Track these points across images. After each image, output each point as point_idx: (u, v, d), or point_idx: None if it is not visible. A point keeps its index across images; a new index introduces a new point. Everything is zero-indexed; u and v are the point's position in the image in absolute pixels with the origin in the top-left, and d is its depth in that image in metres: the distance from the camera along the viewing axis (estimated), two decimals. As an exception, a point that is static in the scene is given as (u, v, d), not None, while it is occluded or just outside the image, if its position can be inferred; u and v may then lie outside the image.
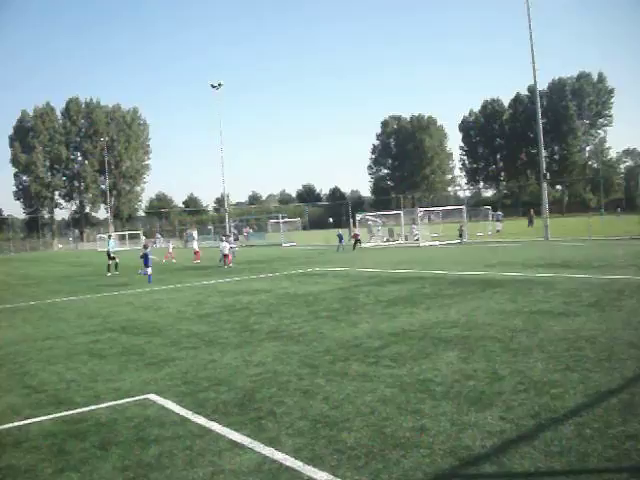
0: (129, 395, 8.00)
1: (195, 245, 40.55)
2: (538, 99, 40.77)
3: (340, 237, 41.49)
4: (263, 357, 9.66)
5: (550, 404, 6.46)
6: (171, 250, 41.64)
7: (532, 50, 39.17)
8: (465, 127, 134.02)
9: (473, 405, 6.59)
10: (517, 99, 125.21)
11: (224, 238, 34.54)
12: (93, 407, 7.58)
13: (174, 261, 38.76)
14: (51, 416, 7.34)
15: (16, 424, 7.13)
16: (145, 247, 27.43)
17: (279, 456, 5.56)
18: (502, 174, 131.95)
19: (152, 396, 7.86)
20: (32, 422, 7.16)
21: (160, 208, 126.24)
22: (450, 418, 6.24)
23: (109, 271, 31.51)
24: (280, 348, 10.26)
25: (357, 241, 41.43)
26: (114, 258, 32.01)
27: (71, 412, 7.44)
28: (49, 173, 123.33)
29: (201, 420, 6.74)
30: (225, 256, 31.48)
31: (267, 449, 5.75)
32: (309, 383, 7.94)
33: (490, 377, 7.63)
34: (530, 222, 57.60)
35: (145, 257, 25.99)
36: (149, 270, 25.67)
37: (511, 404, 6.54)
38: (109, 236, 39.48)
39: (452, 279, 18.72)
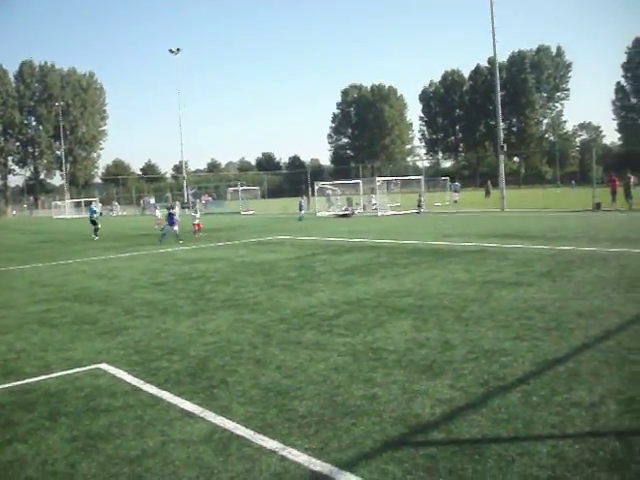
0: (80, 365, 7.89)
1: (158, 212, 40.08)
2: (497, 71, 41.02)
3: (301, 205, 41.45)
4: (217, 326, 9.62)
5: (499, 372, 6.56)
6: (160, 216, 40.54)
7: (492, 22, 39.28)
8: (425, 98, 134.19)
9: (424, 373, 6.66)
10: (477, 71, 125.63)
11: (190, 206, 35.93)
12: (43, 377, 7.45)
13: (157, 227, 38.01)
14: (-1, 386, 7.22)
15: (-38, 395, 6.98)
16: (172, 207, 29.05)
17: (230, 425, 5.55)
18: (461, 145, 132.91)
19: (103, 365, 7.76)
20: (-21, 393, 7.03)
21: (117, 175, 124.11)
22: (401, 386, 6.30)
23: (96, 235, 31.94)
24: (235, 317, 10.23)
25: (345, 214, 41.70)
26: (96, 224, 32.53)
27: (20, 382, 7.31)
28: (2, 138, 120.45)
29: (152, 389, 6.69)
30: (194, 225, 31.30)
31: (218, 418, 5.74)
32: (262, 352, 7.93)
33: (442, 346, 7.72)
34: (487, 193, 58.27)
35: (170, 217, 27.29)
36: (176, 228, 26.92)
37: (461, 372, 6.63)
38: (92, 202, 40.01)
39: (408, 249, 18.85)
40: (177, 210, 32.29)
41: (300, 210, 41.03)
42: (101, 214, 33.77)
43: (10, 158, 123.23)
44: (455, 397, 5.92)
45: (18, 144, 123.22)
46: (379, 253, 17.96)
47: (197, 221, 30.63)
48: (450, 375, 6.56)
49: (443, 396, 5.96)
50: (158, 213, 39.93)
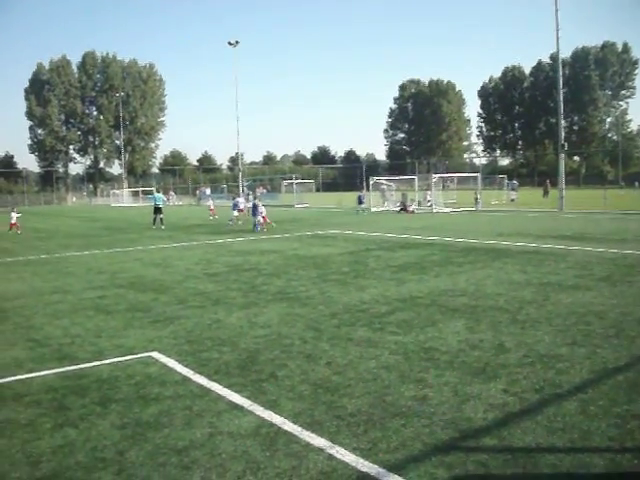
0: (132, 352, 7.97)
1: (210, 203, 40.45)
2: (560, 67, 39.96)
3: (360, 199, 41.47)
4: (268, 319, 9.61)
5: (555, 379, 6.36)
6: (212, 207, 41.48)
7: (556, 17, 38.29)
8: (484, 94, 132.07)
9: (477, 376, 6.51)
10: (539, 67, 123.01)
11: (243, 196, 36.77)
12: (96, 363, 7.56)
13: (211, 218, 38.82)
14: (54, 371, 7.32)
15: (18, 377, 7.11)
16: (255, 198, 29.72)
17: (277, 420, 5.51)
18: (520, 143, 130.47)
19: (155, 354, 7.83)
20: (34, 376, 7.15)
21: (174, 165, 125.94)
22: (453, 388, 6.16)
23: (154, 224, 32.25)
24: (286, 310, 10.21)
25: (404, 208, 41.51)
26: (160, 212, 32.72)
27: (73, 367, 7.43)
28: (64, 127, 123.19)
29: (202, 380, 6.70)
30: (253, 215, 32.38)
31: (266, 412, 5.70)
32: (313, 347, 7.88)
33: (496, 348, 7.53)
34: (545, 193, 57.03)
35: (254, 207, 27.98)
36: (259, 219, 27.53)
37: (515, 377, 6.44)
38: (157, 190, 40.31)
39: (463, 247, 18.56)
40: (241, 200, 33.48)
41: (360, 204, 41.07)
42: (164, 201, 33.78)
43: (72, 147, 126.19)
44: (509, 402, 5.75)
45: (79, 133, 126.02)
46: (433, 251, 17.74)
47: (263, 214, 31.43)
48: (504, 379, 6.39)
49: (496, 401, 5.80)
50: (211, 203, 40.17)
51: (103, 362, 7.59)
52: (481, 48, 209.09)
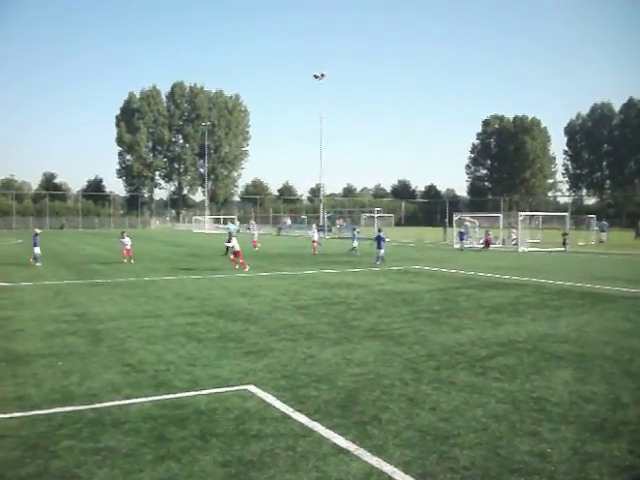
0: (228, 384, 7.85)
1: (315, 234, 37.17)
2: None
3: (462, 235, 41.38)
4: (364, 356, 9.35)
5: (685, 441, 5.84)
6: (256, 238, 41.84)
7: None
8: (571, 131, 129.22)
9: (596, 433, 6.06)
10: (630, 104, 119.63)
11: (314, 227, 37.41)
12: (192, 393, 7.46)
13: (256, 248, 38.76)
14: (151, 398, 7.27)
15: (116, 403, 7.09)
16: (379, 230, 29.31)
17: (387, 468, 5.23)
18: (607, 182, 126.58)
19: (251, 387, 7.67)
20: (132, 402, 7.11)
21: (255, 194, 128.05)
22: (572, 445, 5.74)
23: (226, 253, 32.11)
24: (381, 348, 9.92)
25: (487, 243, 41.31)
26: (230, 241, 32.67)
27: (170, 396, 7.35)
28: (151, 154, 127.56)
29: (303, 419, 6.48)
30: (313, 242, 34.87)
31: (374, 459, 5.43)
32: (414, 390, 7.56)
33: (612, 403, 7.04)
34: (637, 235, 54.81)
35: (379, 239, 28.00)
36: (382, 252, 27.60)
37: (639, 436, 5.96)
38: (231, 220, 40.59)
39: (557, 289, 17.84)
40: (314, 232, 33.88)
41: (461, 239, 41.09)
42: (238, 231, 33.86)
43: (157, 173, 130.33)
44: (636, 465, 5.31)
45: (165, 160, 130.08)
46: (526, 292, 17.10)
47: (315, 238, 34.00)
48: (626, 438, 5.92)
49: (622, 462, 5.36)
50: (315, 235, 36.77)
51: (199, 392, 7.49)
52: (568, 84, 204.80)
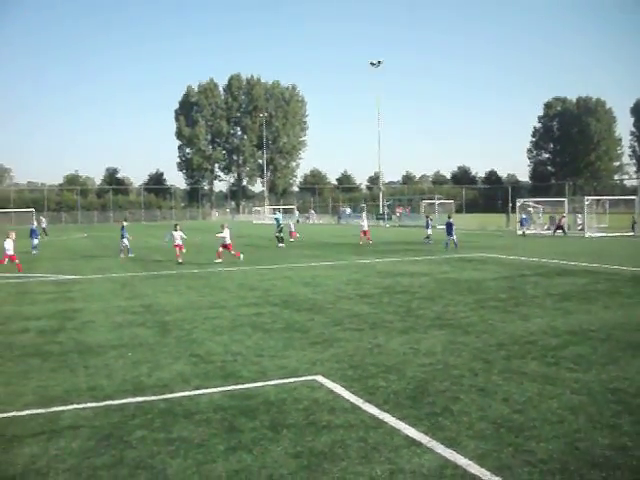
0: (296, 375, 7.84)
1: (365, 224, 35.37)
2: None
3: (522, 220, 40.97)
4: (431, 346, 9.22)
5: None
6: (293, 229, 40.03)
7: None
8: (638, 110, 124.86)
9: (681, 426, 5.79)
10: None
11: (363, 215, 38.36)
12: (260, 384, 7.48)
13: (292, 239, 37.68)
14: (220, 389, 7.32)
15: (186, 394, 7.16)
16: (449, 217, 29.98)
17: (462, 461, 5.11)
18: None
19: (319, 378, 7.65)
20: (202, 393, 7.17)
21: (314, 184, 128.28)
22: (655, 439, 5.51)
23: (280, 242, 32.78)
24: (448, 337, 9.77)
25: (560, 227, 40.30)
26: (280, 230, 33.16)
27: (239, 387, 7.39)
28: (210, 146, 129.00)
29: (373, 410, 6.41)
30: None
31: (447, 451, 5.32)
32: (485, 380, 7.40)
33: (697, 394, 6.73)
34: None
35: (449, 226, 28.69)
36: (453, 237, 28.39)
37: None
38: (278, 210, 40.55)
39: (630, 276, 17.26)
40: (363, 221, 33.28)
41: (522, 225, 40.68)
42: (279, 224, 33.55)
43: (217, 165, 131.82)
44: None
45: (224, 152, 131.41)
46: (596, 279, 16.60)
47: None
48: None
49: None
50: (365, 224, 35.14)
51: (268, 383, 7.51)
52: (634, 63, 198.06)
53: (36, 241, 32.11)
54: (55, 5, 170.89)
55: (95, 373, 8.18)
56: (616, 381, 7.27)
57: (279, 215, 34.88)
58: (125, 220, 32.76)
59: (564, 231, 39.91)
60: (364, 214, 41.67)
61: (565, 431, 5.74)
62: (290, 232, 38.04)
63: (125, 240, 27.55)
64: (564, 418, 6.07)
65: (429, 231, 33.49)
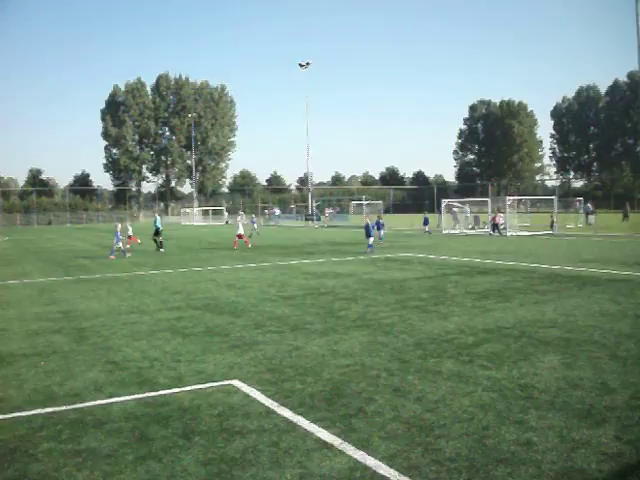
0: (213, 379, 7.74)
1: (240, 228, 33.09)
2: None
3: (425, 220, 41.46)
4: (350, 347, 9.26)
5: (673, 425, 5.79)
6: (255, 226, 42.31)
7: (638, 34, 37.04)
8: (557, 114, 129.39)
9: (583, 420, 5.98)
10: (615, 86, 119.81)
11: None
12: (176, 390, 7.35)
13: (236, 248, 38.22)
14: (134, 396, 7.16)
15: (99, 402, 6.97)
16: (379, 217, 30.92)
17: (371, 462, 5.14)
18: (594, 164, 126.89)
19: (236, 382, 7.57)
20: (115, 401, 6.99)
21: (243, 185, 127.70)
22: (559, 433, 5.67)
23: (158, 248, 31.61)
24: (368, 338, 9.84)
25: (495, 226, 40.82)
26: (159, 234, 32.02)
27: (154, 394, 7.23)
28: (138, 147, 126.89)
29: (287, 413, 6.39)
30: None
31: (358, 453, 5.34)
32: (400, 380, 7.48)
33: (599, 388, 6.97)
34: (625, 216, 55.01)
35: (367, 228, 27.85)
36: (371, 240, 27.35)
37: (627, 422, 5.90)
38: (158, 213, 38.72)
39: (545, 273, 17.81)
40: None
41: (425, 224, 41.62)
42: (157, 228, 32.44)
43: (144, 166, 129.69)
44: (624, 452, 5.23)
45: (152, 153, 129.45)
46: (514, 277, 17.06)
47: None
48: (614, 424, 5.85)
49: (609, 449, 5.28)
50: (240, 228, 32.88)
51: (183, 389, 7.38)
52: (553, 68, 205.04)
53: None
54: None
55: (4, 384, 7.87)
56: (526, 377, 7.46)
57: (158, 218, 33.38)
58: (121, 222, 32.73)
59: (499, 230, 40.61)
60: (239, 217, 40.80)
61: (474, 428, 5.85)
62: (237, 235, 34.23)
63: (119, 241, 27.73)
64: (474, 415, 6.19)
65: (382, 232, 32.96)
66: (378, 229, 32.00)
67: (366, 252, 26.57)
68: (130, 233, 30.70)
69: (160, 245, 31.49)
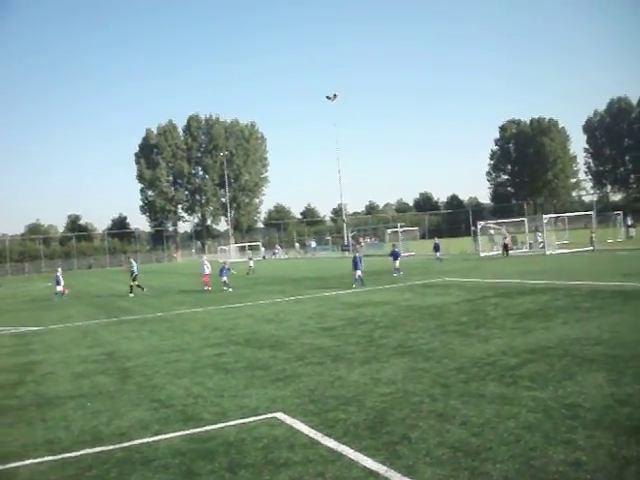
0: (256, 413, 7.79)
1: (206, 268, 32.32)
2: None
3: (436, 246, 41.27)
4: (392, 375, 9.24)
5: None
6: (251, 264, 44.16)
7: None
8: (590, 128, 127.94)
9: (633, 437, 5.87)
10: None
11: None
12: (221, 425, 7.41)
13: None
14: (179, 433, 7.24)
15: (145, 440, 7.07)
16: (394, 246, 30.18)
17: (418, 488, 5.12)
18: (632, 177, 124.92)
19: (280, 415, 7.61)
20: (161, 439, 7.08)
21: (278, 219, 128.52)
22: (608, 451, 5.57)
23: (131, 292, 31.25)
24: (409, 365, 9.80)
25: (506, 247, 40.62)
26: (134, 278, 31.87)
27: (199, 430, 7.31)
28: (172, 188, 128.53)
29: (332, 443, 6.39)
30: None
31: (404, 479, 5.31)
32: (444, 405, 7.43)
33: (647, 403, 6.84)
34: (665, 227, 53.96)
35: (354, 261, 26.76)
36: (358, 273, 26.14)
37: (678, 436, 5.77)
38: (133, 259, 37.68)
39: (587, 290, 17.54)
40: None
41: (436, 251, 41.15)
42: (132, 273, 32.21)
43: (180, 206, 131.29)
44: (676, 466, 5.12)
45: (187, 193, 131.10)
46: (555, 295, 16.84)
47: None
48: (665, 439, 5.73)
49: (660, 465, 5.17)
50: (206, 267, 32.27)
51: (228, 424, 7.44)
52: (583, 82, 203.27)
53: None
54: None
55: (53, 425, 8.05)
56: (572, 396, 7.35)
57: (134, 263, 33.02)
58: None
59: (507, 252, 40.39)
60: (204, 257, 39.02)
61: (521, 450, 5.78)
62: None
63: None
64: (520, 437, 6.12)
65: (397, 263, 31.24)
66: (395, 258, 30.90)
67: (354, 285, 25.46)
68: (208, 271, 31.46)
69: (130, 290, 31.14)
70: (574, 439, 5.95)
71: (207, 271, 31.38)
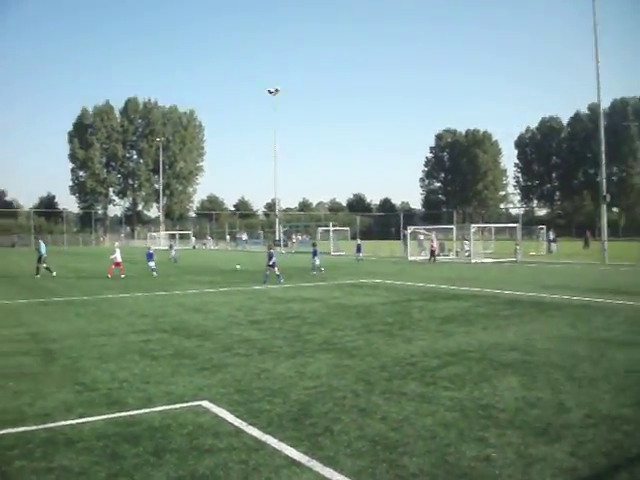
0: (182, 400, 7.87)
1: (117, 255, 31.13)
2: (602, 118, 39.79)
3: (358, 247, 42.72)
4: (317, 369, 9.46)
5: (623, 442, 6.09)
6: (173, 253, 45.39)
7: (597, 68, 38.32)
8: (521, 144, 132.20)
9: (540, 437, 6.27)
10: (577, 117, 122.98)
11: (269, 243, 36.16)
12: (146, 410, 7.46)
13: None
14: (104, 416, 7.24)
15: (69, 422, 7.05)
16: (270, 248, 27.90)
17: (338, 478, 5.33)
18: (557, 193, 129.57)
19: (205, 403, 7.71)
20: (85, 421, 7.07)
21: (211, 210, 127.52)
22: (516, 449, 5.93)
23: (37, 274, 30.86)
24: (334, 361, 10.05)
25: (433, 253, 41.40)
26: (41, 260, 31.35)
27: (124, 414, 7.34)
28: (105, 170, 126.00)
29: (256, 432, 6.56)
30: None
31: (326, 469, 5.53)
32: (366, 401, 7.70)
33: (556, 407, 7.28)
34: (586, 244, 56.28)
35: (270, 256, 26.03)
36: (276, 269, 25.51)
37: (581, 439, 6.18)
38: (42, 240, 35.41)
39: (507, 299, 18.27)
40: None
41: (358, 252, 43.16)
42: (40, 254, 31.51)
43: (111, 189, 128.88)
44: (578, 467, 5.50)
45: (119, 176, 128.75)
46: (477, 302, 17.48)
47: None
48: (569, 441, 6.13)
49: (564, 464, 5.55)
50: (118, 254, 31.14)
51: (153, 409, 7.49)
52: (517, 99, 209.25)
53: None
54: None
55: (-27, 405, 7.92)
56: (487, 398, 7.74)
57: (42, 245, 32.30)
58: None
59: (434, 258, 41.21)
60: (117, 243, 37.49)
61: (436, 446, 6.08)
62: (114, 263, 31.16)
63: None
64: (437, 434, 6.43)
65: (317, 260, 30.97)
66: (314, 255, 30.89)
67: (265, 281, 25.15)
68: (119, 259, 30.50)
69: (37, 271, 30.74)
70: (486, 437, 6.30)
71: (119, 259, 30.64)
